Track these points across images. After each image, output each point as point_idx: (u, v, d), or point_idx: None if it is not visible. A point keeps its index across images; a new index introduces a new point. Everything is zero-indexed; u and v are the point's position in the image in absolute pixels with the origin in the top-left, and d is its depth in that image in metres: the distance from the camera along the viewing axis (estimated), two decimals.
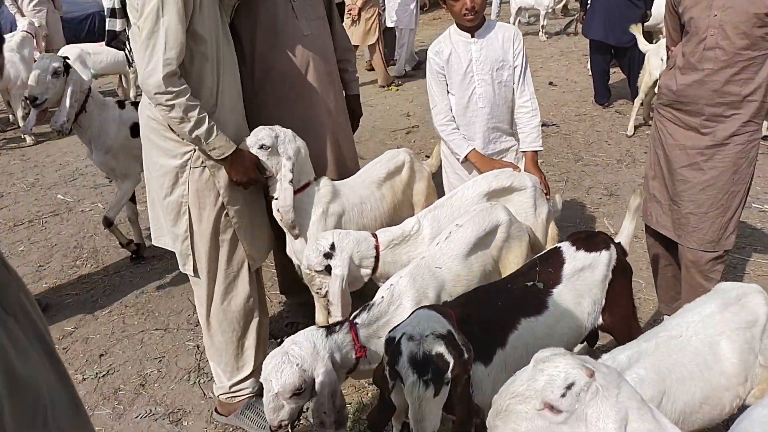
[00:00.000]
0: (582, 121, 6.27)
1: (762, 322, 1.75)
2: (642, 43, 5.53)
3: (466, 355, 1.46)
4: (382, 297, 1.97)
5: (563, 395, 1.17)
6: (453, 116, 2.78)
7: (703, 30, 2.40)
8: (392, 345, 1.47)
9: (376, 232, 2.32)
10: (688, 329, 1.69)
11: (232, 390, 2.52)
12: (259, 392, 2.54)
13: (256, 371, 2.52)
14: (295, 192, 2.43)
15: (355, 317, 1.94)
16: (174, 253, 2.41)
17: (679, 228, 2.58)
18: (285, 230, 2.50)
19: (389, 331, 1.54)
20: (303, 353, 1.76)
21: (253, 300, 2.47)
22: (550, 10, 10.03)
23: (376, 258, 2.25)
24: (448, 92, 2.79)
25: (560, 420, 1.18)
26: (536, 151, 2.78)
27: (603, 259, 1.98)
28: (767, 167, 4.93)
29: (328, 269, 2.16)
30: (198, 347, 3.07)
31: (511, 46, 2.68)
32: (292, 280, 3.12)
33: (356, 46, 7.88)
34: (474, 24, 2.64)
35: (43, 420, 0.58)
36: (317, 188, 2.52)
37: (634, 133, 5.75)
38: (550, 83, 7.67)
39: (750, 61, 2.34)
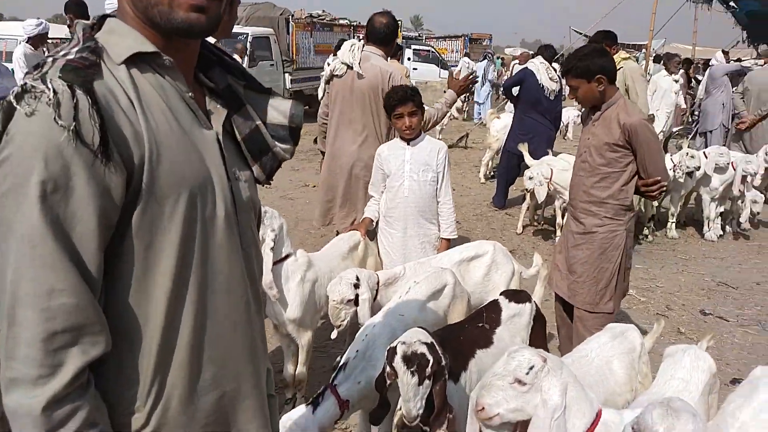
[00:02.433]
0: (480, 221, 7.27)
1: (638, 350, 2.49)
2: (527, 158, 6.61)
3: (443, 362, 2.04)
4: (357, 351, 2.43)
5: (527, 373, 1.79)
6: (377, 198, 3.56)
7: (582, 148, 3.34)
8: (391, 350, 2.04)
9: (377, 272, 2.98)
10: (591, 352, 2.40)
11: None
12: None
13: None
14: (278, 261, 2.96)
15: (333, 379, 2.36)
16: None
17: (570, 291, 3.38)
18: (265, 291, 2.98)
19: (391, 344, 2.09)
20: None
21: None
22: (445, 124, 11.43)
23: (377, 291, 2.89)
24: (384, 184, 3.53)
25: (525, 390, 1.79)
26: (450, 239, 3.56)
27: (527, 309, 2.67)
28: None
29: (356, 298, 2.70)
30: None
31: (436, 156, 3.47)
32: None
33: None
34: (410, 137, 3.43)
35: None
36: (296, 259, 3.06)
37: (522, 232, 6.80)
38: None
39: (606, 174, 3.24)
